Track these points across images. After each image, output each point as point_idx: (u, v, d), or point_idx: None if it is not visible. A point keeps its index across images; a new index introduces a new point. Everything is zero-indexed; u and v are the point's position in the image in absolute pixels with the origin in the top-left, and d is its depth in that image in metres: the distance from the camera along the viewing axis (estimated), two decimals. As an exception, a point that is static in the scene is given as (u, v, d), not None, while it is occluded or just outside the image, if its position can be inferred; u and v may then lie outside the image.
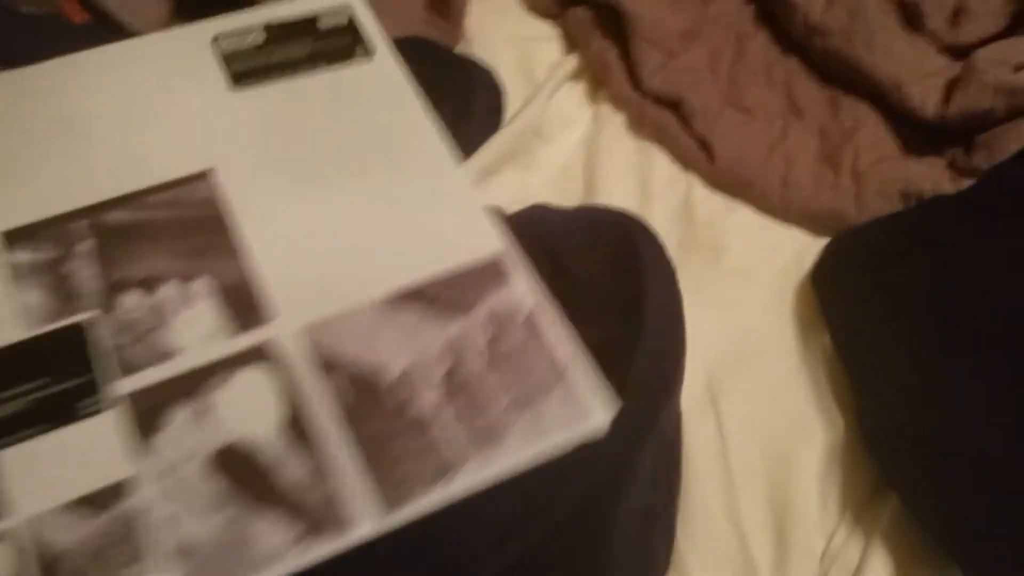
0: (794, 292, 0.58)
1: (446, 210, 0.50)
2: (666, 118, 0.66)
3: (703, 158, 0.64)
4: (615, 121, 0.68)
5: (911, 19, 0.67)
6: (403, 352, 0.44)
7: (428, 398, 0.43)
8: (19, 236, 0.47)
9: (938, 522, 0.45)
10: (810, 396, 0.53)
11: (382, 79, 0.56)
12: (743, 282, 0.59)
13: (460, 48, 0.71)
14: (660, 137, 0.66)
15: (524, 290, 0.46)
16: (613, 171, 0.65)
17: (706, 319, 0.53)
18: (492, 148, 0.64)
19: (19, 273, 0.46)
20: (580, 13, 0.71)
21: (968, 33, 0.66)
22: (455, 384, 0.43)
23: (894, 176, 0.60)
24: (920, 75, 0.63)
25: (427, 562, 0.40)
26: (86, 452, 0.41)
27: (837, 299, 0.56)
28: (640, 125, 0.67)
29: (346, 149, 0.52)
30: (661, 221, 0.59)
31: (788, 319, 0.57)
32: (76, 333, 0.44)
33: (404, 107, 0.55)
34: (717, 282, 0.58)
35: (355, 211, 0.49)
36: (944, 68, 0.64)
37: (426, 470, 0.41)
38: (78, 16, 0.64)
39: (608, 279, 0.51)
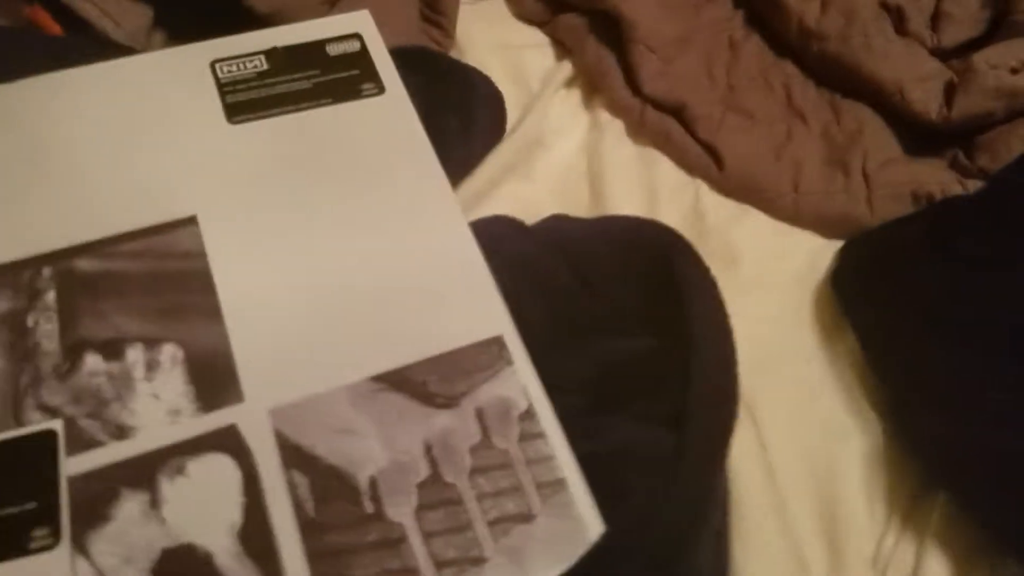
0: (811, 297, 0.58)
1: (448, 283, 0.45)
2: (669, 124, 0.65)
3: (711, 164, 0.63)
4: (613, 128, 0.67)
5: (898, 23, 0.68)
6: (377, 451, 0.39)
7: (399, 511, 0.38)
8: (-27, 283, 0.42)
9: (993, 520, 0.45)
10: (842, 400, 0.53)
11: (391, 121, 0.51)
12: (759, 289, 0.58)
13: (455, 49, 0.69)
14: (663, 143, 0.65)
15: (520, 384, 0.42)
16: (617, 179, 0.64)
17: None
18: (497, 160, 0.62)
19: None
20: (571, 19, 0.70)
21: (949, 36, 0.67)
22: (432, 496, 0.38)
23: (903, 178, 0.61)
24: (919, 78, 0.63)
25: None
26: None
27: (862, 303, 0.55)
28: (641, 132, 0.66)
29: (346, 202, 0.47)
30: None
31: (808, 324, 0.57)
32: (45, 442, 0.38)
33: (415, 157, 0.50)
34: (733, 290, 0.55)
35: (346, 276, 0.44)
36: (938, 71, 0.64)
37: None
38: (52, 29, 0.61)
39: (641, 291, 0.50)
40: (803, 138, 0.64)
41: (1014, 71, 0.60)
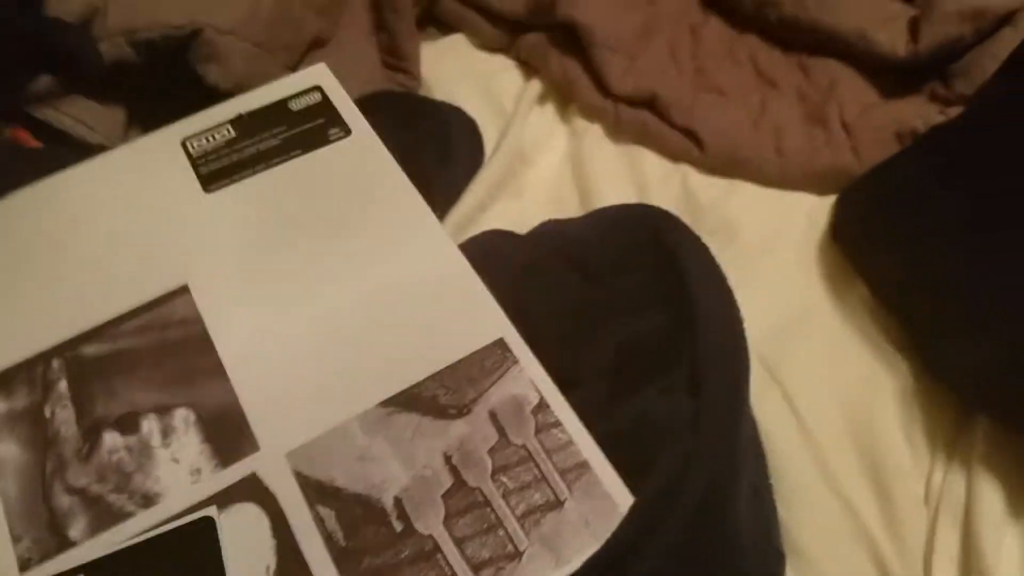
0: (816, 253, 0.57)
1: (441, 299, 0.46)
2: (644, 117, 0.65)
3: (691, 147, 0.63)
4: (592, 132, 0.67)
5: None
6: (398, 471, 0.39)
7: (427, 524, 0.38)
8: (-8, 385, 0.44)
9: None
10: (865, 348, 0.52)
11: (361, 158, 0.53)
12: (763, 256, 0.58)
13: (421, 87, 0.70)
14: (642, 137, 0.65)
15: (529, 379, 0.42)
16: (604, 179, 0.64)
17: (739, 300, 0.50)
18: (481, 182, 0.63)
19: None
20: (532, 38, 0.71)
21: None
22: (458, 503, 0.38)
23: (884, 120, 0.60)
24: (881, 20, 0.63)
25: None
26: None
27: (869, 249, 0.55)
28: (618, 130, 0.66)
29: (329, 243, 0.49)
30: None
31: (817, 280, 0.56)
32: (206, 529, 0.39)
33: (388, 187, 0.51)
34: (738, 262, 0.55)
35: (341, 312, 0.45)
36: (901, 12, 0.64)
37: None
38: (31, 144, 0.63)
39: (641, 270, 0.50)
40: (778, 103, 0.64)
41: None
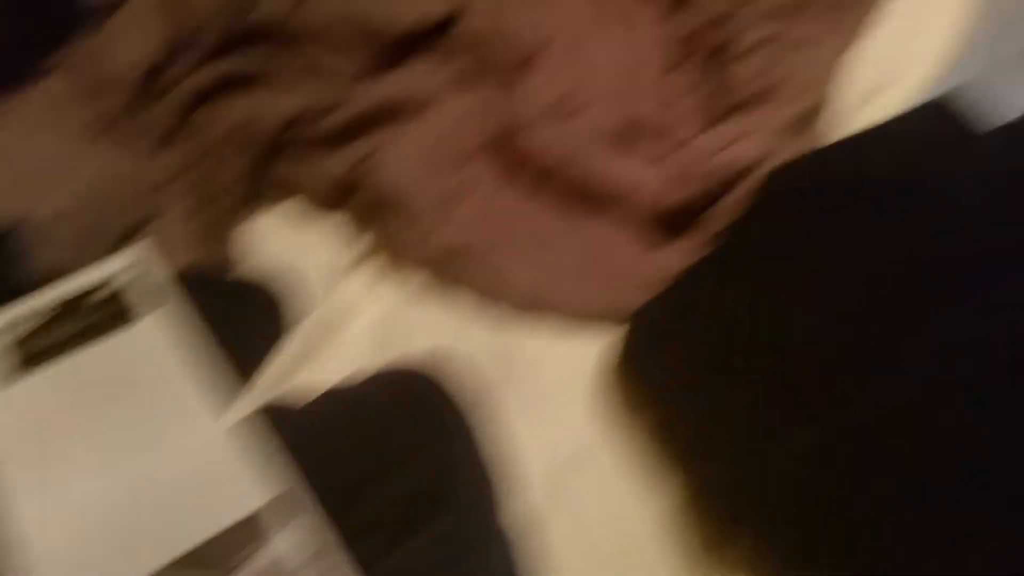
0: (605, 387, 0.64)
1: (219, 467, 0.49)
2: (457, 268, 0.72)
3: (500, 293, 0.70)
4: (411, 285, 0.73)
5: (626, 139, 0.77)
6: None
7: None
8: None
9: (795, 542, 0.50)
10: (642, 473, 0.58)
11: (159, 341, 0.56)
12: (559, 391, 0.64)
13: (242, 261, 0.75)
14: (456, 286, 0.72)
15: (305, 533, 0.46)
16: (421, 329, 0.69)
17: (534, 434, 0.58)
18: (285, 355, 0.67)
19: None
20: (356, 200, 0.77)
21: (686, 131, 0.76)
22: None
23: (654, 266, 0.68)
24: (646, 179, 0.72)
25: None
26: None
27: (648, 381, 0.62)
28: (435, 281, 0.73)
29: (116, 423, 0.51)
30: (474, 358, 0.65)
31: (603, 413, 0.62)
32: None
33: (177, 369, 0.54)
34: (537, 397, 0.63)
35: (123, 487, 0.48)
36: (663, 168, 0.73)
37: None
38: None
39: (413, 432, 0.56)
40: (571, 250, 0.71)
41: (722, 150, 0.69)
